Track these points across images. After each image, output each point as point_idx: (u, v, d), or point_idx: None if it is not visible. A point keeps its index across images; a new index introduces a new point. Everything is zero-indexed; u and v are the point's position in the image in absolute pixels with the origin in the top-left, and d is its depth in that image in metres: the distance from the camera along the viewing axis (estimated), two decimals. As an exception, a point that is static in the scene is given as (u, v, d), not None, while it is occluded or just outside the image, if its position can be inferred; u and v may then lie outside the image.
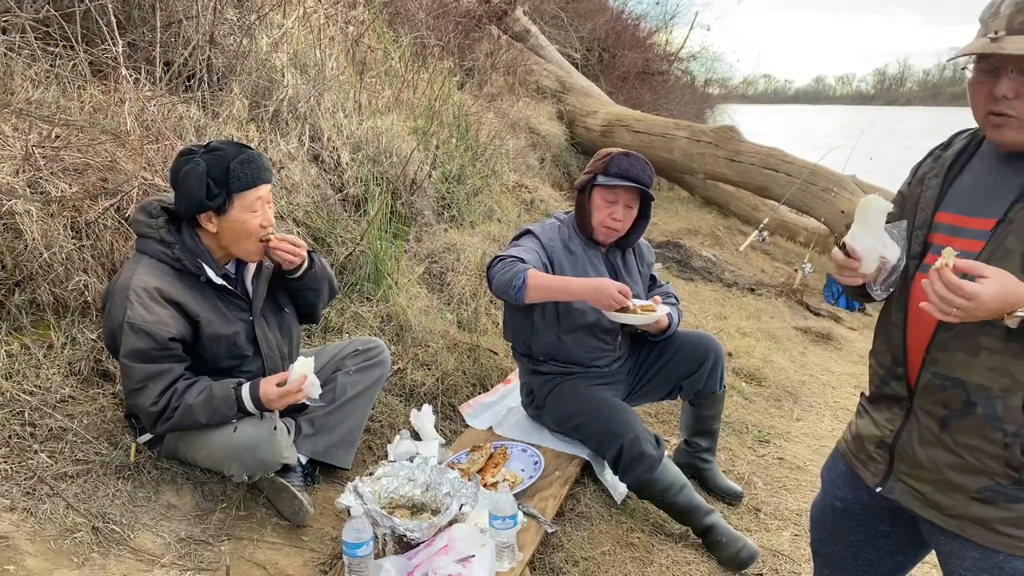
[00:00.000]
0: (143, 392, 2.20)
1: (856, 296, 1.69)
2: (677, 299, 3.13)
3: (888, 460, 1.64)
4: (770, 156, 8.18)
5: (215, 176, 2.23)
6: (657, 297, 2.93)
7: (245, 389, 2.28)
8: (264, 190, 2.34)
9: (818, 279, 7.71)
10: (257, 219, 2.32)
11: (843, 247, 1.50)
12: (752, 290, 6.59)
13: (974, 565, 1.52)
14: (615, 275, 2.96)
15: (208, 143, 2.35)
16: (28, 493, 2.19)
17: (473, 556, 2.14)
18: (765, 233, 8.23)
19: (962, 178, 1.54)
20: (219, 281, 2.36)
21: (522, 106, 8.34)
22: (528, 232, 2.95)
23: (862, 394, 1.79)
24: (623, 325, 2.92)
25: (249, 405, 2.26)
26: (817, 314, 6.61)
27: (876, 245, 1.47)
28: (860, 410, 1.78)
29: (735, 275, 6.96)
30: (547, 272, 2.83)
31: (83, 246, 2.79)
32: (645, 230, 3.01)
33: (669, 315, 2.92)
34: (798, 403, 4.36)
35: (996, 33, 1.37)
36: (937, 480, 1.54)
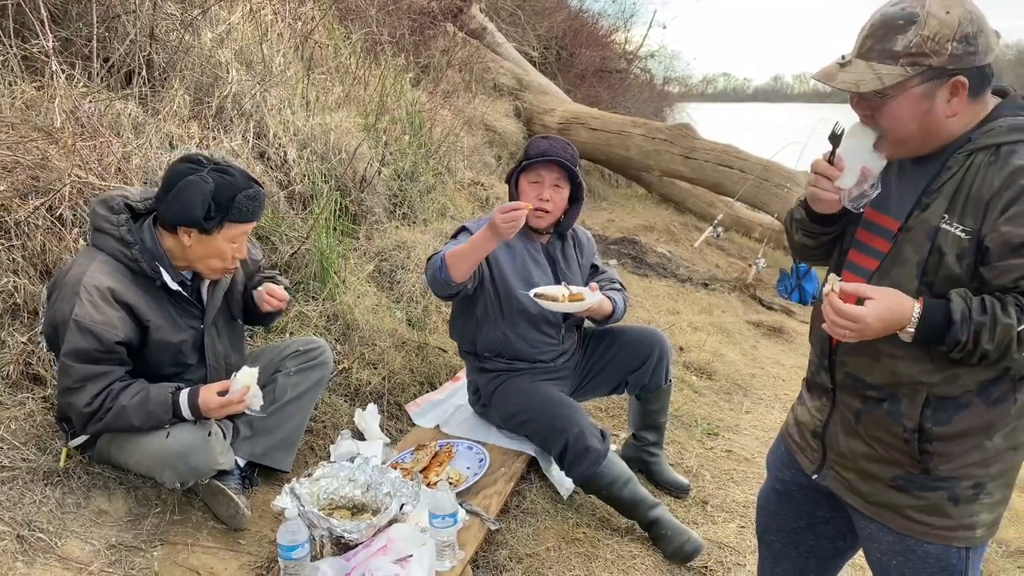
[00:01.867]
0: (79, 392, 2.14)
1: (808, 237, 1.66)
2: (622, 285, 3.13)
3: (822, 449, 1.68)
4: (724, 153, 8.26)
5: (219, 200, 2.19)
6: (594, 284, 2.92)
7: (183, 395, 2.22)
8: (251, 227, 2.33)
9: (771, 274, 7.79)
10: (233, 250, 2.30)
11: (832, 154, 1.46)
12: (706, 285, 6.64)
13: (889, 548, 1.57)
14: (554, 265, 2.97)
15: (215, 159, 2.31)
16: (-52, 502, 2.12)
17: (411, 556, 2.11)
18: (720, 229, 8.31)
19: (886, 175, 1.57)
20: (175, 287, 2.30)
21: (478, 103, 8.30)
22: (463, 229, 2.93)
23: (804, 379, 1.82)
24: (565, 317, 2.93)
25: (186, 412, 2.21)
26: (770, 308, 6.68)
27: (860, 158, 1.44)
28: (801, 396, 1.81)
29: (689, 271, 7.01)
30: (485, 267, 2.82)
31: (12, 246, 2.71)
32: (579, 214, 3.01)
33: (613, 300, 2.92)
34: (748, 396, 4.40)
35: (843, 57, 1.43)
36: (857, 469, 1.59)
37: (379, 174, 4.75)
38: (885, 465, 1.53)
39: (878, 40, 1.38)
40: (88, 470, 2.38)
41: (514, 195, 2.91)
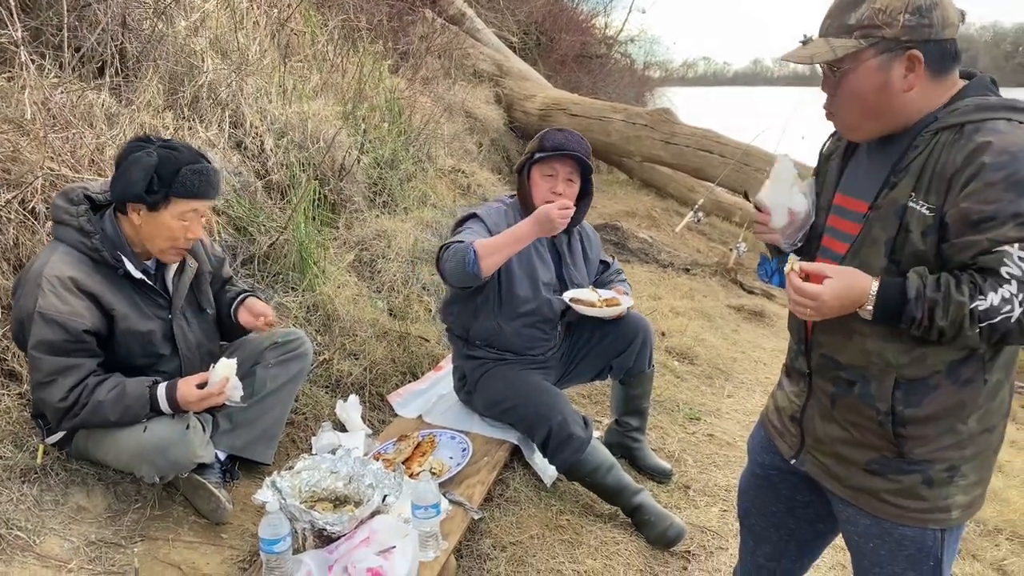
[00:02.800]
0: (51, 386, 2.11)
1: (778, 257, 1.75)
2: (629, 285, 3.15)
3: (800, 434, 1.70)
4: (704, 138, 8.27)
5: (162, 174, 2.15)
6: (620, 288, 2.93)
7: (161, 389, 2.20)
8: (203, 205, 2.28)
9: (752, 258, 7.80)
10: (183, 229, 2.25)
11: (755, 204, 1.61)
12: (687, 270, 6.67)
13: (865, 531, 1.59)
14: (560, 261, 2.95)
15: (166, 139, 2.28)
16: (-76, 501, 2.09)
17: (395, 547, 2.10)
18: (700, 214, 8.32)
19: (854, 159, 1.59)
20: (138, 275, 2.27)
21: (458, 90, 8.25)
22: (473, 216, 2.88)
23: (784, 365, 1.83)
24: (563, 314, 2.92)
25: (164, 406, 2.19)
26: (750, 292, 6.71)
27: (784, 200, 1.55)
28: (780, 382, 1.83)
29: (671, 256, 7.03)
30: None
31: (-17, 240, 2.67)
32: (588, 209, 2.99)
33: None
34: (729, 380, 4.42)
35: (805, 36, 1.48)
36: (834, 453, 1.61)
37: (358, 162, 4.72)
38: (860, 449, 1.55)
39: (835, 18, 1.43)
40: (66, 467, 2.35)
41: (525, 186, 2.87)
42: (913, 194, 1.38)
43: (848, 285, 1.38)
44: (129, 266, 2.25)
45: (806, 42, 1.46)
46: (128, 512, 2.32)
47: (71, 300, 2.13)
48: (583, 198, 2.94)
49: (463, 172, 6.50)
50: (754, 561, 2.02)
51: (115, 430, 2.19)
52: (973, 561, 2.93)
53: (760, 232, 1.65)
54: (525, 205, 2.88)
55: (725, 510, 3.04)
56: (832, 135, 1.69)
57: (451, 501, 2.46)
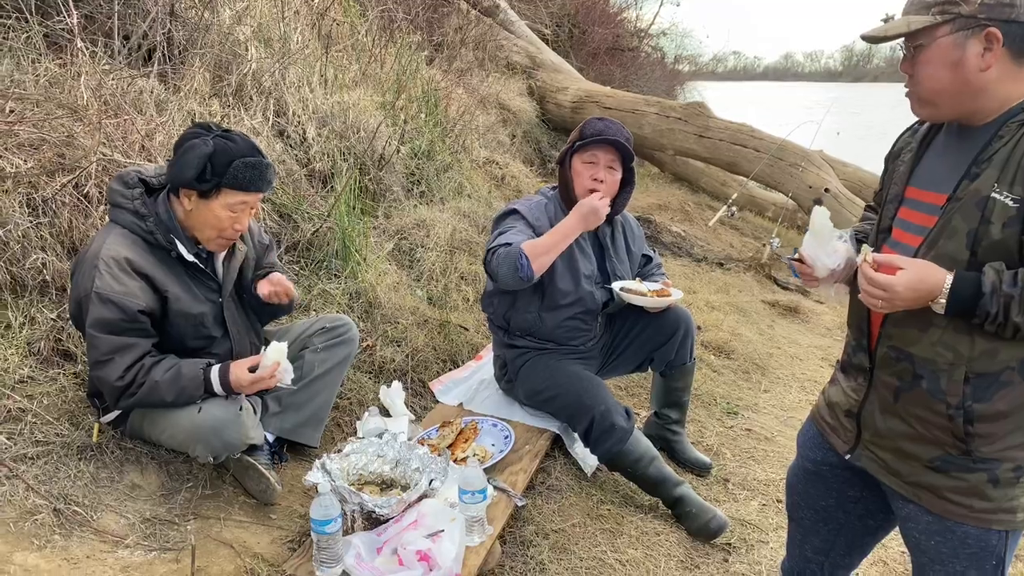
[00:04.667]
0: (109, 365, 2.16)
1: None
2: (669, 279, 3.16)
3: (856, 428, 1.69)
4: (739, 132, 8.19)
5: (216, 163, 2.19)
6: (667, 281, 2.94)
7: (215, 372, 2.24)
8: (253, 198, 2.31)
9: (785, 253, 7.77)
10: (231, 220, 2.28)
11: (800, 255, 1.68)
12: (721, 264, 6.64)
13: (927, 528, 1.57)
14: (602, 254, 2.96)
15: (228, 128, 2.31)
16: (-15, 475, 2.14)
17: (443, 531, 2.13)
18: (734, 208, 8.28)
19: (929, 152, 1.57)
20: (190, 258, 2.31)
21: (492, 81, 8.26)
22: (513, 212, 2.87)
23: (838, 361, 1.82)
24: (604, 306, 2.93)
25: (217, 388, 2.24)
26: (784, 288, 6.67)
27: (820, 254, 1.63)
28: (833, 378, 1.82)
29: (704, 250, 6.99)
30: None
31: (40, 223, 2.73)
32: (630, 198, 2.98)
33: None
34: (766, 375, 4.40)
35: (886, 15, 1.50)
36: (895, 448, 1.59)
37: (397, 152, 4.74)
38: (924, 445, 1.53)
39: None
40: (121, 445, 2.41)
41: (567, 176, 2.87)
42: (997, 185, 1.36)
43: (921, 277, 1.37)
44: (182, 249, 2.29)
45: (887, 20, 1.47)
46: (181, 491, 2.37)
47: (126, 280, 2.18)
48: (624, 186, 2.93)
49: (497, 163, 6.52)
50: (802, 555, 2.02)
51: (171, 410, 2.24)
52: (1016, 561, 2.90)
53: (807, 281, 1.70)
54: (566, 197, 2.89)
55: (764, 504, 3.04)
56: (908, 130, 1.69)
57: (495, 487, 2.48)
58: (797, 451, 1.95)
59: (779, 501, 3.07)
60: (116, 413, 2.36)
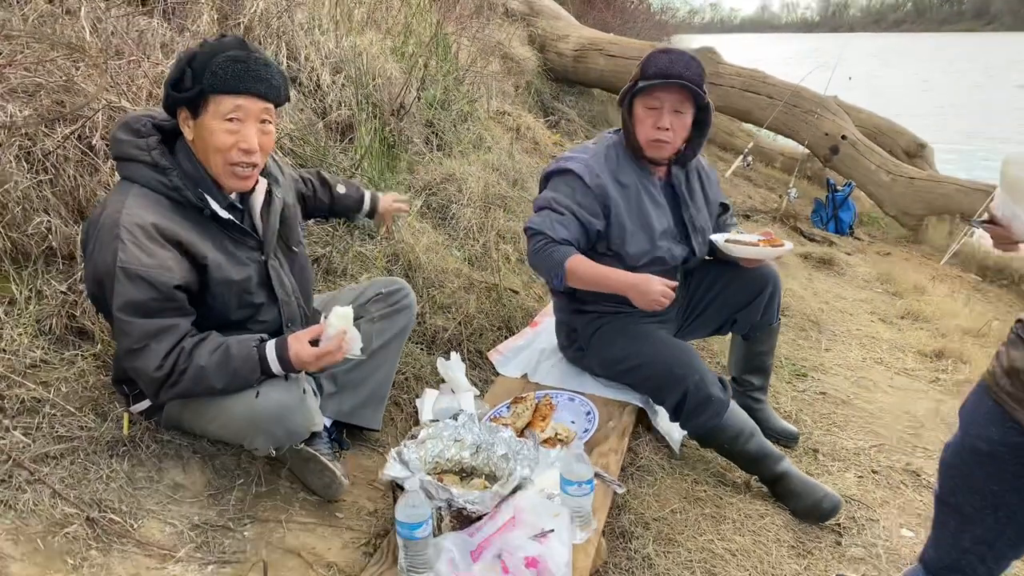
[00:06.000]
0: (144, 353, 1.78)
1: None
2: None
3: None
4: (751, 78, 7.86)
5: (196, 66, 1.79)
6: (769, 231, 2.63)
7: (270, 348, 1.87)
8: (249, 102, 1.85)
9: (804, 204, 7.49)
10: (232, 137, 1.84)
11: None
12: (748, 216, 6.34)
13: None
14: (677, 204, 2.61)
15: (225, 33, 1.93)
16: (2, 481, 1.78)
17: (551, 530, 1.82)
18: (750, 158, 7.98)
19: None
20: (225, 215, 1.92)
21: (492, 29, 7.81)
22: (567, 172, 2.50)
23: (1018, 320, 1.52)
24: (684, 261, 2.61)
25: (275, 367, 1.86)
26: (812, 239, 6.40)
27: (1020, 212, 1.40)
28: (1016, 340, 1.51)
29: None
30: (599, 221, 2.47)
31: (41, 181, 2.33)
32: (705, 142, 2.63)
33: None
34: (823, 332, 4.12)
35: None
36: None
37: (417, 100, 4.35)
38: None
39: None
40: (156, 438, 2.05)
41: (627, 121, 2.52)
42: None
43: None
44: (214, 205, 1.90)
45: None
46: (232, 490, 2.03)
47: (156, 251, 1.79)
48: (698, 127, 2.58)
49: (509, 114, 6.12)
50: (957, 545, 1.72)
51: (221, 398, 1.87)
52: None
53: (1003, 244, 1.48)
54: (629, 142, 2.54)
55: (860, 476, 2.76)
56: None
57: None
58: (961, 428, 1.65)
59: (875, 472, 2.81)
60: (147, 402, 2.00)
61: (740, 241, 2.52)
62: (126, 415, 2.04)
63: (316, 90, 3.82)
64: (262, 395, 1.85)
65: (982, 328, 4.43)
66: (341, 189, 2.52)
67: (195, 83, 1.80)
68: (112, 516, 1.81)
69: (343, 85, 3.91)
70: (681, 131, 2.49)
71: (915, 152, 8.56)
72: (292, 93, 3.65)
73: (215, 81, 1.80)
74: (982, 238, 6.51)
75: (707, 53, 8.15)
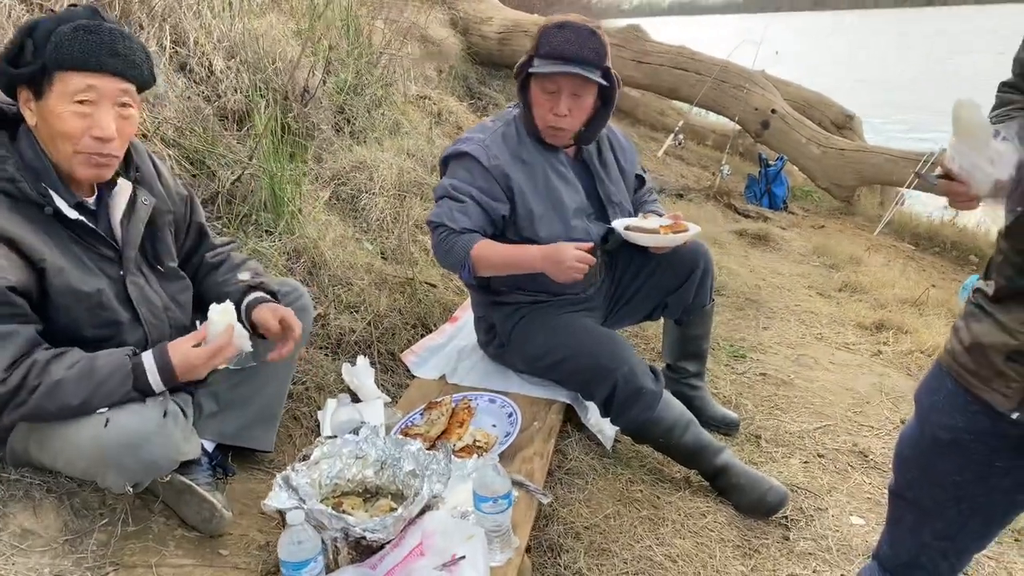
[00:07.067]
0: None
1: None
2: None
3: None
4: (679, 55, 7.73)
5: (37, 37, 1.51)
6: (678, 214, 2.41)
7: (148, 357, 1.60)
8: (103, 81, 1.57)
9: (737, 180, 7.41)
10: (80, 121, 1.56)
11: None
12: (680, 195, 6.21)
13: None
14: (591, 179, 2.39)
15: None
16: None
17: (462, 556, 1.59)
18: (681, 136, 7.86)
19: None
20: (72, 215, 1.63)
21: (411, 12, 7.51)
22: (463, 155, 2.28)
23: (977, 291, 1.33)
24: (604, 240, 2.39)
25: (154, 378, 1.59)
26: (746, 216, 6.31)
27: (978, 161, 1.17)
28: (976, 311, 1.33)
29: (660, 181, 6.56)
30: (503, 205, 2.26)
31: None
32: (608, 119, 2.42)
33: None
34: (760, 310, 3.98)
35: None
36: None
37: (323, 84, 4.05)
38: None
39: None
40: (1, 477, 1.75)
41: (526, 102, 2.30)
42: None
43: None
44: (59, 202, 1.61)
45: None
46: (92, 532, 1.73)
47: None
48: (603, 106, 2.36)
49: (430, 99, 5.85)
50: (917, 541, 1.55)
51: (64, 426, 1.57)
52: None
53: (960, 202, 1.26)
54: (529, 122, 2.32)
55: (806, 461, 2.61)
56: None
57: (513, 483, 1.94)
58: (918, 417, 1.47)
59: (820, 456, 2.66)
60: (-9, 435, 1.70)
61: (642, 228, 2.29)
62: (-38, 452, 1.73)
63: (208, 76, 3.50)
64: (112, 422, 1.56)
65: (920, 296, 4.35)
66: (243, 276, 1.99)
67: (36, 57, 1.52)
68: (-61, 577, 1.52)
69: (238, 70, 3.60)
70: (580, 114, 2.28)
71: (843, 123, 8.56)
72: (181, 81, 3.34)
73: (60, 55, 1.52)
74: (937, 194, 6.52)
75: (633, 31, 8.00)
